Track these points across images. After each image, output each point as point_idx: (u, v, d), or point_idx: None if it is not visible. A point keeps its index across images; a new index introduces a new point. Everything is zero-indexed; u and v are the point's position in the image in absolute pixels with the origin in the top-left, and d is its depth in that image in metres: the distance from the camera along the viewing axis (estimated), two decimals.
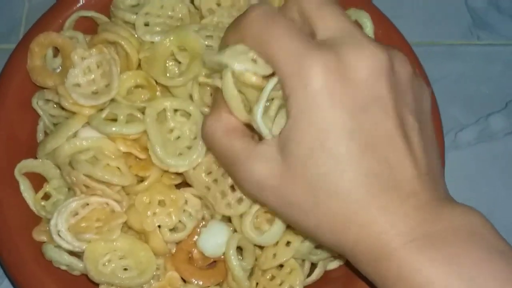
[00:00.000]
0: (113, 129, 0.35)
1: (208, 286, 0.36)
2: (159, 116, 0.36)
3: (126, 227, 0.36)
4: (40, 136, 0.40)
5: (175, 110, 0.36)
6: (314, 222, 0.27)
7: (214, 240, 0.35)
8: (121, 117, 0.36)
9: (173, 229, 0.36)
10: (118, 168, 0.35)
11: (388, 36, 0.41)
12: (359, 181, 0.26)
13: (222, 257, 0.35)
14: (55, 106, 0.39)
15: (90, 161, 0.35)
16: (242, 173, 0.29)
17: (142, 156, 0.36)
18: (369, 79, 0.26)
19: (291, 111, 0.26)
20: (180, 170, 0.35)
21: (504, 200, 0.45)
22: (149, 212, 0.35)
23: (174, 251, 0.36)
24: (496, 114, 0.48)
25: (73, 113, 0.37)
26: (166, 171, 0.36)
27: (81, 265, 0.35)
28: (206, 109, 0.35)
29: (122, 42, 0.38)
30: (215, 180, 0.35)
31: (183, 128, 0.36)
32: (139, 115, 0.36)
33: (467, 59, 0.50)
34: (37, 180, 0.38)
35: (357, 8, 0.41)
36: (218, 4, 0.40)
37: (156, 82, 0.38)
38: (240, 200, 0.34)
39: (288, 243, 0.35)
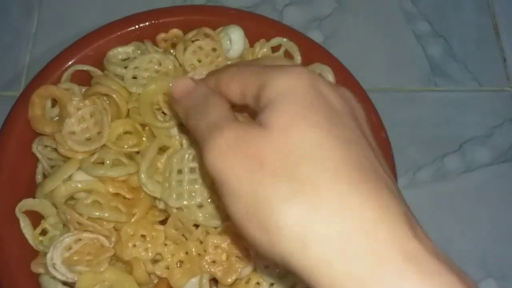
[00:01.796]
0: (100, 171, 0.39)
1: None
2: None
3: (115, 259, 0.39)
4: (39, 177, 0.43)
5: None
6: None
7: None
8: (107, 161, 0.40)
9: (155, 261, 0.39)
10: (117, 206, 0.39)
11: (346, 84, 0.42)
12: None
13: None
14: (52, 150, 0.42)
15: (89, 203, 0.39)
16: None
17: (129, 196, 0.40)
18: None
19: None
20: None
21: (458, 234, 0.47)
22: (130, 244, 0.38)
23: (156, 282, 0.39)
24: (450, 155, 0.50)
25: (68, 157, 0.41)
26: (151, 209, 0.40)
27: None
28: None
29: (114, 95, 0.42)
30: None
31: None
32: (124, 160, 0.40)
33: (425, 104, 0.52)
34: (35, 218, 0.41)
35: (321, 63, 0.45)
36: (199, 61, 0.44)
37: (143, 129, 0.42)
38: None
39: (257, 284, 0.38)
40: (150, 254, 0.38)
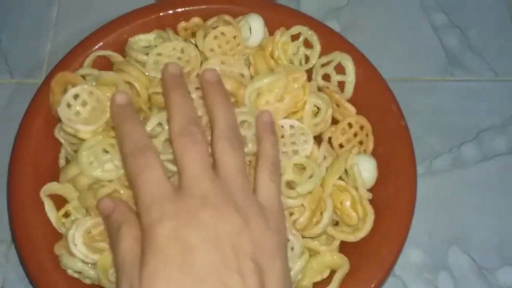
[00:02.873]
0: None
1: None
2: None
3: None
4: (61, 162, 0.44)
5: None
6: None
7: None
8: None
9: None
10: None
11: (367, 75, 0.45)
12: None
13: None
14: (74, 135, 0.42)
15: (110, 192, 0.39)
16: None
17: None
18: None
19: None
20: None
21: (475, 223, 0.47)
22: None
23: None
24: (467, 144, 0.50)
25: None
26: None
27: (92, 272, 0.38)
28: None
29: (135, 84, 0.42)
30: None
31: None
32: None
33: (442, 94, 0.52)
34: (59, 201, 0.42)
35: (341, 51, 0.46)
36: (219, 47, 0.45)
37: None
38: None
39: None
40: None
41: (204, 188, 0.31)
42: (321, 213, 0.39)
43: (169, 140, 0.35)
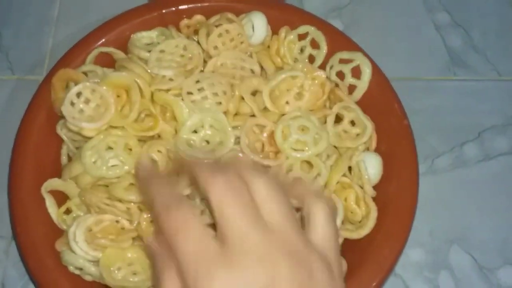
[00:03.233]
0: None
1: None
2: None
3: (138, 240, 0.40)
4: (63, 159, 0.44)
5: None
6: None
7: None
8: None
9: None
10: None
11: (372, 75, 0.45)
12: None
13: None
14: (76, 132, 0.42)
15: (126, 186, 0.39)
16: None
17: None
18: None
19: None
20: None
21: (476, 222, 0.47)
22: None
23: None
24: (469, 143, 0.50)
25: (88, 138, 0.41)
26: None
27: (93, 269, 0.38)
28: None
29: (138, 81, 0.42)
30: None
31: None
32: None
33: (444, 94, 0.52)
34: (61, 199, 0.42)
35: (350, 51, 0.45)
36: (223, 44, 0.45)
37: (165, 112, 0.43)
38: None
39: None
40: None
41: (255, 242, 0.27)
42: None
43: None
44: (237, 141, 0.41)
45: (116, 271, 0.38)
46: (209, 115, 0.41)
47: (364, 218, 0.40)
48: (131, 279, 0.38)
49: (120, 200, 0.39)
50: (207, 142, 0.41)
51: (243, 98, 0.42)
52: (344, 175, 0.41)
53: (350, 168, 0.42)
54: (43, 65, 0.54)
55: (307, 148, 0.41)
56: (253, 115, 0.43)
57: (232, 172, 0.28)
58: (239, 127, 0.42)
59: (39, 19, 0.56)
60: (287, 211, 0.28)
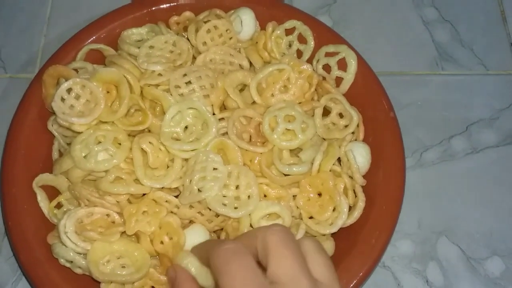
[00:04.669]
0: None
1: None
2: None
3: (125, 234, 0.40)
4: (55, 154, 0.44)
5: None
6: None
7: (194, 239, 0.39)
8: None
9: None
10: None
11: (359, 69, 0.45)
12: None
13: None
14: (67, 128, 0.42)
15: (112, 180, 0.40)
16: None
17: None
18: None
19: None
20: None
21: (464, 214, 0.47)
22: (132, 219, 0.39)
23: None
24: (457, 136, 0.50)
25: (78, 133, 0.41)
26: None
27: (83, 262, 0.38)
28: None
29: (128, 76, 0.42)
30: None
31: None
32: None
33: (432, 88, 0.52)
34: (52, 193, 0.42)
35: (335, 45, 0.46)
36: (212, 39, 0.45)
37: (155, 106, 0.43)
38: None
39: None
40: (152, 228, 0.39)
41: None
42: (334, 208, 0.40)
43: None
44: (224, 131, 0.42)
45: (105, 264, 0.38)
46: (186, 105, 0.41)
47: (352, 208, 0.40)
48: (119, 272, 0.38)
49: (109, 194, 0.39)
50: (189, 130, 0.41)
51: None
52: (334, 164, 0.42)
53: (339, 160, 0.42)
54: (35, 64, 0.54)
55: (296, 137, 0.41)
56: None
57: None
58: (225, 119, 0.42)
59: (31, 18, 0.56)
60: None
